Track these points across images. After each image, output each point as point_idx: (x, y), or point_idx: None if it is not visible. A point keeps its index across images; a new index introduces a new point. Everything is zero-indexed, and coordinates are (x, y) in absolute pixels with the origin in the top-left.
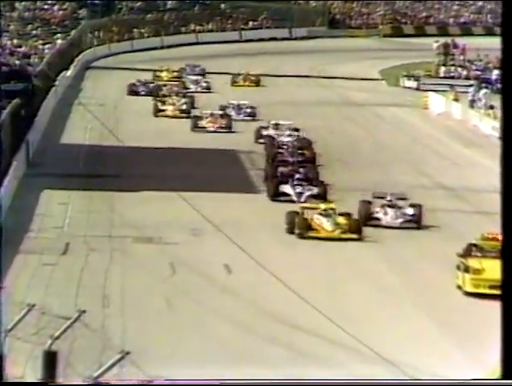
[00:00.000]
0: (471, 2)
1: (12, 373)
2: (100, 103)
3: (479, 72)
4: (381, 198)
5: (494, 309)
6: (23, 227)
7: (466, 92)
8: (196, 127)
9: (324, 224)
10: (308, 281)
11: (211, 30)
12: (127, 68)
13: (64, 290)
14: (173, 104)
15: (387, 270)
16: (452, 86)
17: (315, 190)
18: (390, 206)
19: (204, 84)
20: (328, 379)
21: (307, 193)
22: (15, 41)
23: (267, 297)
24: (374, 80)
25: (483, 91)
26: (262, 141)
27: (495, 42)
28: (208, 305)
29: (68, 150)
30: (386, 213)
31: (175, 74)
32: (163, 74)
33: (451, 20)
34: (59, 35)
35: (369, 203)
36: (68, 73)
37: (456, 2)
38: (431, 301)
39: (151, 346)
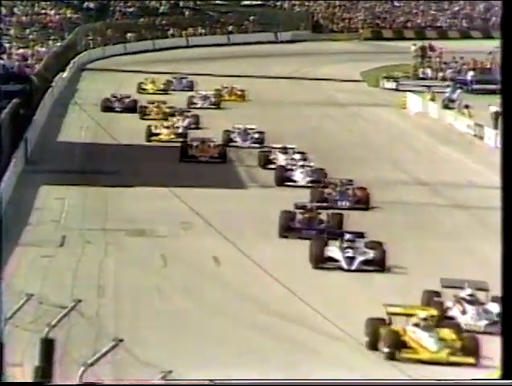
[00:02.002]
0: (446, 7)
1: (11, 360)
2: (94, 103)
3: (455, 74)
4: (456, 288)
5: None
6: (22, 221)
7: (442, 93)
8: (184, 157)
9: (425, 342)
10: (294, 273)
11: (200, 34)
12: (120, 70)
13: (61, 281)
14: (167, 128)
15: None
16: (428, 87)
17: (371, 255)
18: (469, 302)
19: (213, 100)
20: (328, 379)
21: (361, 258)
22: (14, 44)
23: (254, 287)
24: (355, 81)
25: (458, 91)
26: (271, 167)
27: (470, 45)
28: (198, 295)
29: (64, 148)
30: (464, 311)
31: (162, 87)
32: (149, 86)
33: (428, 24)
34: (55, 39)
35: (438, 294)
36: (64, 75)
37: (433, 8)
38: None
39: (144, 333)
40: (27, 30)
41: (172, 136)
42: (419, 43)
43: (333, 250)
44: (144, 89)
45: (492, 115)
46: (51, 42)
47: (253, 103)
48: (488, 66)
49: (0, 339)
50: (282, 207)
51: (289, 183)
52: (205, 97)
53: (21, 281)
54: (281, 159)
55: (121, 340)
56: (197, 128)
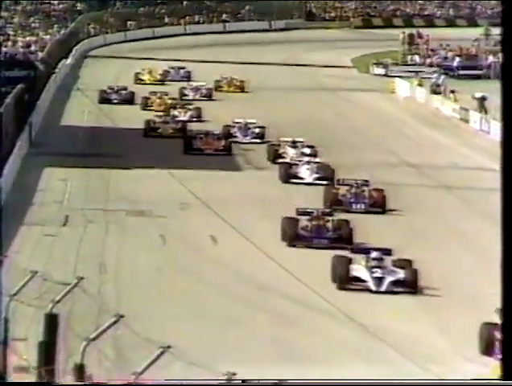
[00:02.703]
0: None
1: (16, 335)
2: (96, 88)
3: (441, 60)
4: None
5: None
6: (27, 201)
7: (429, 78)
8: (189, 149)
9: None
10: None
11: (198, 22)
12: (121, 57)
13: (64, 258)
14: (167, 123)
15: None
16: (416, 73)
17: (401, 274)
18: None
19: (205, 92)
20: (328, 380)
21: (390, 278)
22: (19, 32)
23: (249, 265)
24: (346, 67)
25: (442, 77)
26: (281, 161)
27: (456, 32)
28: (196, 274)
29: (67, 131)
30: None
31: (159, 77)
32: (146, 77)
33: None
34: (59, 27)
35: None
36: (67, 61)
37: None
38: None
39: (143, 309)
40: (31, 19)
41: (171, 131)
42: (408, 31)
43: (359, 269)
44: (141, 80)
45: (477, 100)
46: (54, 30)
47: (248, 89)
48: (473, 53)
49: (5, 315)
50: (276, 186)
51: (295, 181)
52: (197, 89)
53: (25, 258)
54: (290, 153)
55: (121, 316)
56: (199, 120)
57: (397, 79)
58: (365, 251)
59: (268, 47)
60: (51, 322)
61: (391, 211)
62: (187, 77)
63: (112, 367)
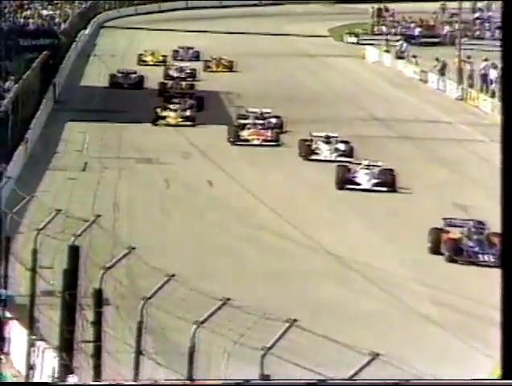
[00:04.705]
0: None
1: (43, 264)
2: (111, 54)
3: (405, 30)
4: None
5: None
6: (51, 150)
7: (395, 46)
8: (236, 140)
9: None
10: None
11: None
12: (132, 28)
13: (84, 199)
14: (175, 111)
15: None
16: (383, 41)
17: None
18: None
19: (189, 72)
20: (328, 380)
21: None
22: (45, 5)
23: (240, 204)
24: (324, 36)
25: (405, 44)
26: (314, 158)
27: (418, 6)
28: (196, 212)
29: (86, 91)
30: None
31: (161, 58)
32: (148, 58)
33: None
34: (80, 1)
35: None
36: (86, 32)
37: None
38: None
39: (152, 242)
40: None
41: (180, 119)
42: (376, 6)
43: None
44: (144, 61)
45: (438, 66)
46: (76, 4)
47: (234, 57)
48: (432, 23)
49: (34, 247)
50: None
51: (351, 186)
52: (181, 69)
53: (51, 198)
54: (324, 150)
55: (133, 248)
56: (200, 110)
57: (367, 46)
58: None
59: (254, 19)
60: (74, 253)
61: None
62: (196, 57)
63: (125, 292)
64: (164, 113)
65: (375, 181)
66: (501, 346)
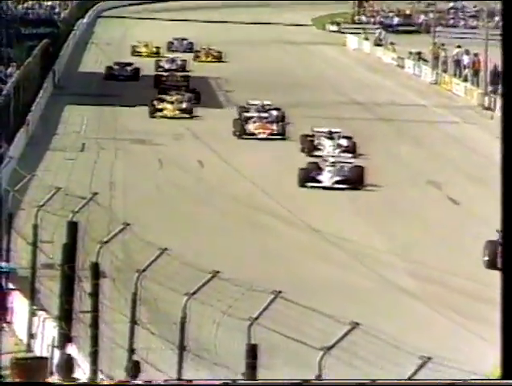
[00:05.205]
0: None
1: (44, 238)
2: (107, 42)
3: (383, 19)
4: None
5: None
6: (51, 132)
7: (373, 34)
8: (243, 133)
9: None
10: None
11: None
12: (128, 17)
13: (82, 178)
14: (171, 103)
15: None
16: (363, 29)
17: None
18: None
19: (180, 63)
20: (328, 380)
21: None
22: None
23: (229, 183)
24: (307, 25)
25: (384, 32)
26: (317, 154)
27: None
28: (187, 190)
29: (84, 77)
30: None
31: (155, 50)
32: (142, 49)
33: None
34: None
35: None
36: (84, 21)
37: None
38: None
39: (146, 218)
40: None
41: (177, 112)
42: None
43: None
44: (138, 52)
45: (414, 54)
46: None
47: (221, 45)
48: (408, 13)
49: (35, 223)
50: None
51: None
52: (172, 61)
53: (51, 177)
54: (327, 145)
55: (128, 224)
56: (198, 102)
57: (348, 35)
58: None
59: (241, 9)
60: (72, 228)
61: None
62: (190, 48)
63: (121, 265)
64: (161, 106)
65: (338, 178)
66: (501, 346)
